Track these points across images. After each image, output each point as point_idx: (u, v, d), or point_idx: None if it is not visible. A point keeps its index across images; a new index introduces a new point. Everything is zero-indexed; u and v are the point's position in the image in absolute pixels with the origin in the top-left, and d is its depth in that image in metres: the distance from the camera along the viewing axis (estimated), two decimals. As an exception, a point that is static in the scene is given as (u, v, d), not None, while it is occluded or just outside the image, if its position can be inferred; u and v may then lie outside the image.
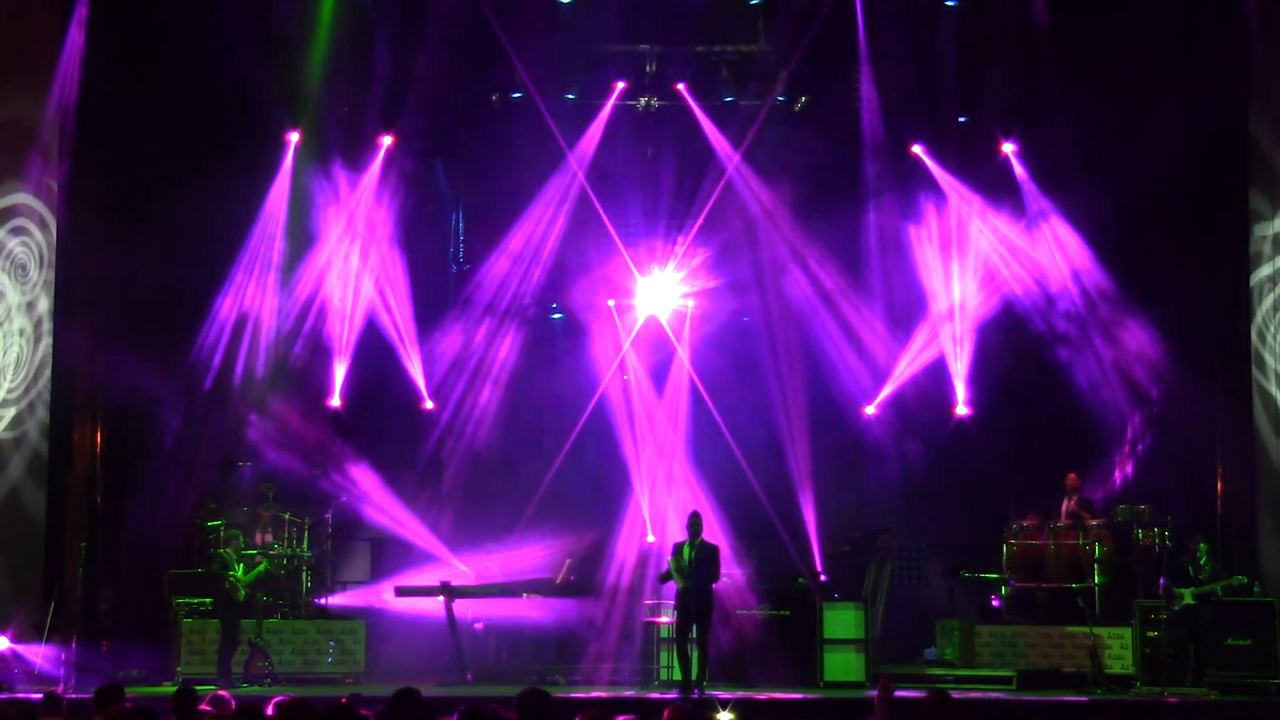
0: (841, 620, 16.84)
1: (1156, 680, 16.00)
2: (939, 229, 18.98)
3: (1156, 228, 18.20)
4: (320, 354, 18.86)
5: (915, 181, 19.06)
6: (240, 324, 18.54)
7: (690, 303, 19.55)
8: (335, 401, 18.79)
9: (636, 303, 19.54)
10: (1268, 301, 17.06)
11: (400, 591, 17.41)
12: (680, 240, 19.20)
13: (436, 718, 8.30)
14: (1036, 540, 17.45)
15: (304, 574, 18.05)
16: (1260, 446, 17.16)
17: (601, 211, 19.02)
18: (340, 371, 18.77)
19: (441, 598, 17.14)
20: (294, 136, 18.76)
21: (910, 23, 18.59)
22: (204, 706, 9.34)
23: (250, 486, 18.18)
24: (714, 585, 15.82)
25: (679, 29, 18.73)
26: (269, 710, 8.54)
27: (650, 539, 18.43)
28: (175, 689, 11.00)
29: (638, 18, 18.69)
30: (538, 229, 19.25)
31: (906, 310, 19.15)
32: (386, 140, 18.96)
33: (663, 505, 18.79)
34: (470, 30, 18.25)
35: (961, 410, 18.82)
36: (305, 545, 18.05)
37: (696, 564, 15.55)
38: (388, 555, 18.71)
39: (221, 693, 10.07)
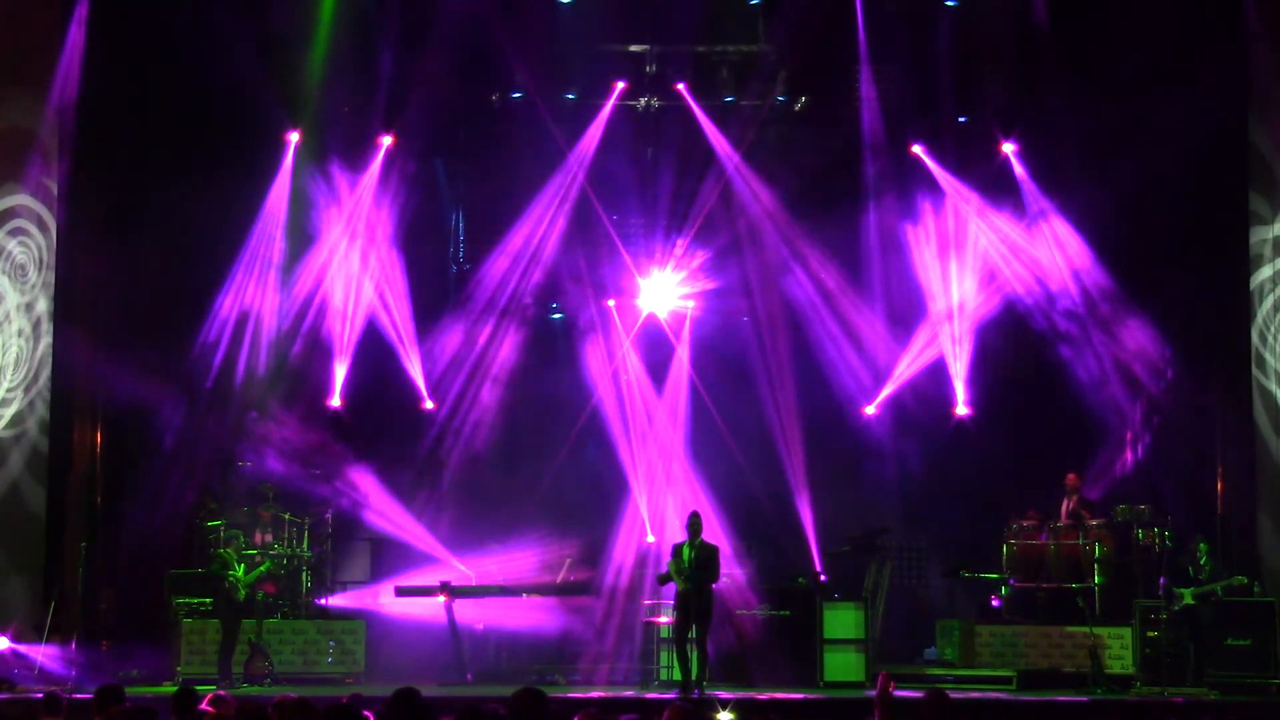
0: (841, 620, 16.83)
1: (1156, 680, 16.01)
2: (939, 229, 18.99)
3: (1156, 228, 18.20)
4: (320, 354, 18.86)
5: (915, 181, 19.06)
6: (240, 324, 18.55)
7: (690, 303, 19.55)
8: (335, 401, 18.79)
9: (636, 303, 19.54)
10: (1268, 302, 17.06)
11: (400, 591, 17.41)
12: (680, 240, 19.20)
13: (436, 718, 8.30)
14: (1036, 540, 17.45)
15: (304, 574, 18.05)
16: (1261, 446, 17.16)
17: (601, 211, 19.02)
18: (340, 371, 18.78)
19: (441, 598, 17.15)
20: (294, 136, 18.76)
21: (910, 23, 18.58)
22: (204, 706, 9.34)
23: (250, 486, 18.17)
24: (714, 585, 15.83)
25: (679, 29, 18.72)
26: (270, 710, 8.55)
27: (650, 539, 18.43)
28: (175, 689, 11.01)
29: (638, 18, 18.69)
30: (538, 229, 19.25)
31: (906, 310, 19.15)
32: (386, 140, 18.96)
33: (662, 505, 18.79)
34: (470, 30, 18.24)
35: (961, 410, 18.82)
36: (305, 545, 18.05)
37: (696, 564, 15.55)
38: (388, 555, 18.71)
39: (221, 693, 10.07)
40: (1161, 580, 16.27)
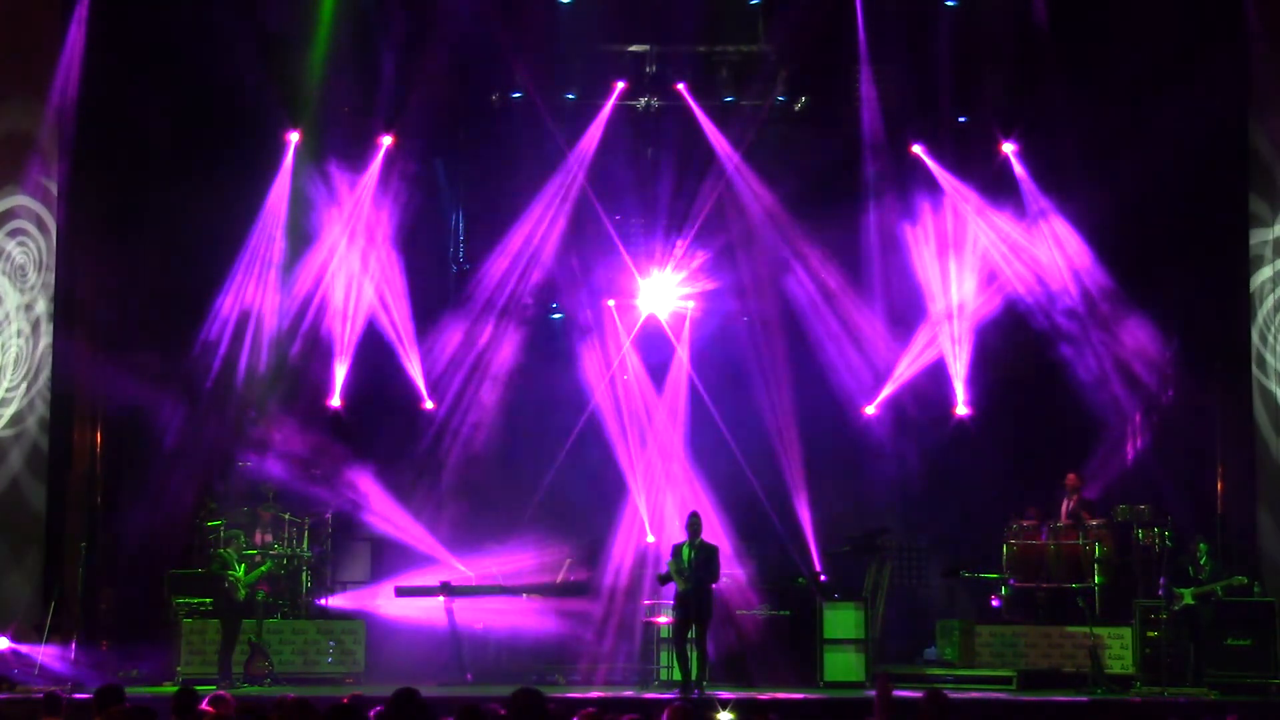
0: (841, 620, 16.84)
1: (1156, 680, 16.01)
2: (939, 229, 18.98)
3: (1156, 228, 18.20)
4: (320, 354, 18.86)
5: (915, 181, 19.05)
6: (240, 324, 18.54)
7: (690, 303, 19.55)
8: (335, 401, 18.79)
9: (636, 303, 19.54)
10: (1269, 302, 17.06)
11: (400, 591, 17.41)
12: (680, 241, 19.19)
13: (437, 718, 8.30)
14: (1036, 540, 17.45)
15: (304, 574, 18.05)
16: (1261, 445, 17.15)
17: (601, 211, 19.01)
18: (341, 371, 18.78)
19: (441, 598, 17.15)
20: (294, 136, 18.76)
21: (910, 23, 18.58)
22: (204, 706, 9.35)
23: (250, 486, 18.17)
24: (715, 585, 15.83)
25: (679, 29, 18.71)
26: (270, 709, 8.55)
27: (650, 539, 18.43)
28: (175, 689, 11.01)
29: (638, 18, 18.68)
30: (538, 229, 19.25)
31: (907, 310, 19.15)
32: (386, 140, 18.96)
33: (662, 505, 18.79)
34: (470, 30, 18.24)
35: (961, 410, 18.82)
36: (305, 545, 18.05)
37: (696, 564, 15.56)
38: (388, 555, 18.70)
39: (222, 693, 10.06)
40: (1161, 580, 16.28)
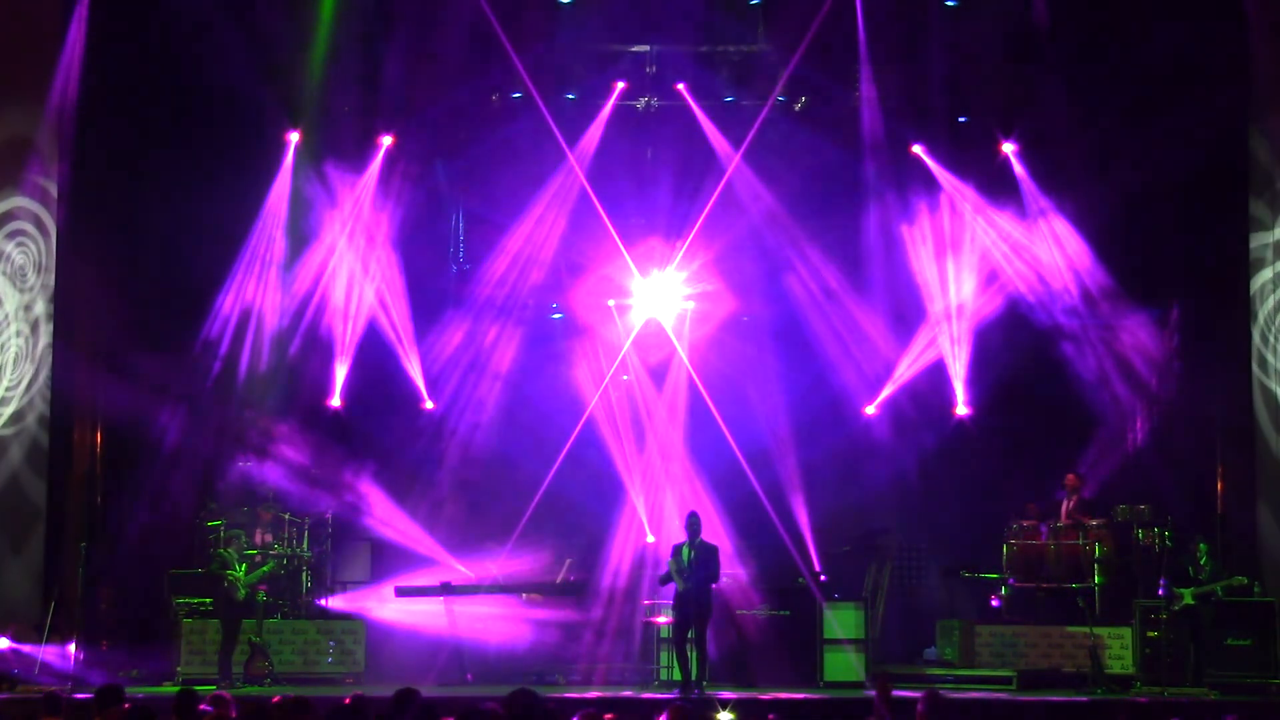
0: (841, 620, 16.85)
1: (1156, 680, 16.01)
2: (939, 229, 18.98)
3: (1157, 228, 18.22)
4: (320, 354, 18.86)
5: (915, 181, 19.05)
6: (240, 324, 18.55)
7: (690, 303, 19.55)
8: (335, 401, 18.80)
9: (636, 303, 19.54)
10: (1269, 303, 17.06)
11: (400, 592, 17.42)
12: (680, 240, 19.19)
13: (437, 718, 8.31)
14: (1036, 540, 17.45)
15: (304, 574, 18.05)
16: (1262, 444, 17.14)
17: (602, 211, 19.01)
18: (341, 372, 18.78)
19: (441, 598, 17.16)
20: (294, 136, 18.77)
21: (910, 23, 18.58)
22: (204, 707, 9.35)
23: (250, 486, 18.16)
24: (716, 585, 15.84)
25: (679, 29, 18.71)
26: (270, 709, 8.56)
27: (650, 539, 18.44)
28: (176, 689, 11.02)
29: (638, 18, 18.67)
30: (538, 229, 19.26)
31: (907, 310, 19.15)
32: (386, 140, 18.97)
33: (663, 506, 18.79)
34: (470, 30, 18.24)
35: (961, 410, 18.82)
36: (305, 545, 18.05)
37: (695, 564, 15.56)
38: (388, 555, 18.70)
39: (222, 693, 10.07)
40: (1161, 580, 16.27)
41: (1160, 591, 16.25)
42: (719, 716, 11.36)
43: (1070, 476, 17.83)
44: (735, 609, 17.06)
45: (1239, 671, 15.83)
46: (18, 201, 17.00)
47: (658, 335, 19.59)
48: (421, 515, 18.67)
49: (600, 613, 17.56)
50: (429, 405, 19.15)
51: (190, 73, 17.59)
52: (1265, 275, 17.16)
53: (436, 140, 19.31)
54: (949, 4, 18.52)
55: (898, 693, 10.83)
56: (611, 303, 19.64)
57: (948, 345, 18.80)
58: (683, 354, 19.39)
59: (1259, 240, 17.27)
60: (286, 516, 17.96)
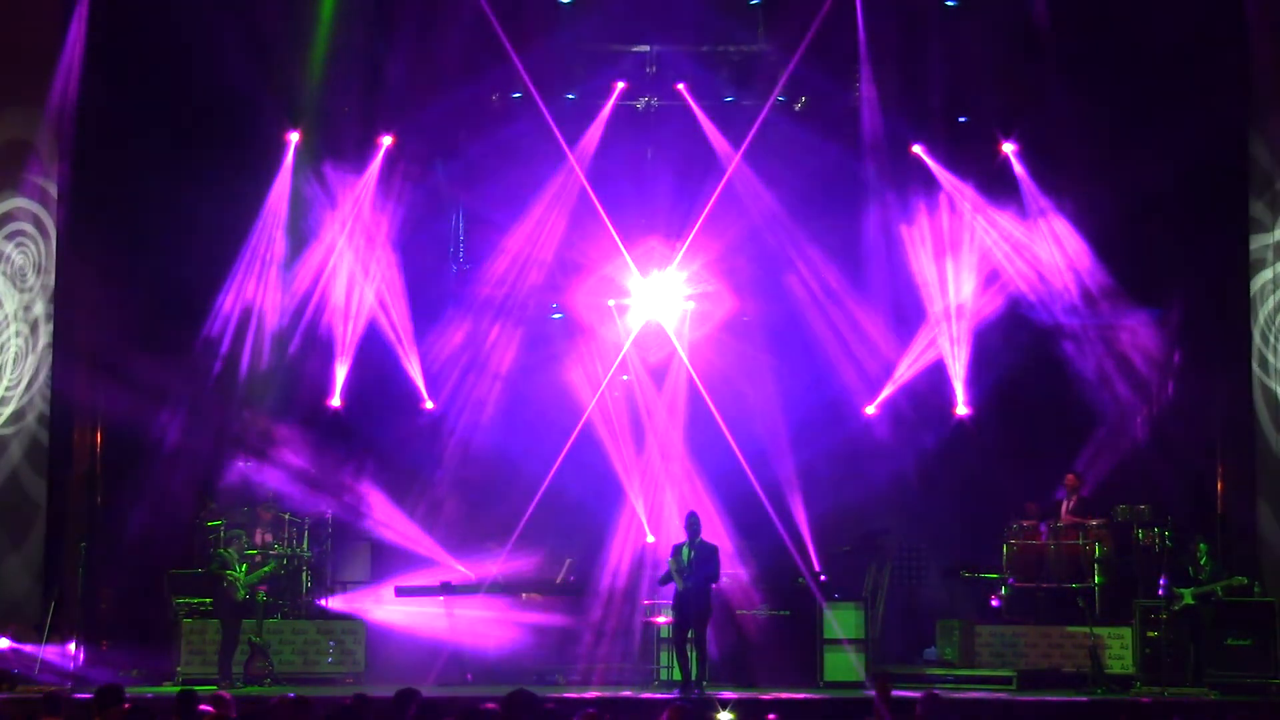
0: (841, 620, 16.85)
1: (1156, 680, 16.01)
2: (939, 229, 18.98)
3: (1157, 227, 18.21)
4: (321, 354, 18.86)
5: (915, 181, 19.06)
6: (241, 325, 18.55)
7: (690, 303, 19.56)
8: (335, 401, 18.80)
9: (636, 303, 19.54)
10: (1270, 303, 17.07)
11: (400, 591, 17.42)
12: (680, 240, 19.19)
13: (437, 718, 8.32)
14: (1036, 540, 17.45)
15: (304, 574, 18.05)
16: (1262, 443, 17.14)
17: (602, 211, 19.01)
18: (341, 372, 18.78)
19: (441, 597, 17.17)
20: (294, 137, 18.77)
21: (910, 22, 18.58)
22: (204, 707, 9.36)
23: (250, 486, 18.15)
24: (716, 585, 15.84)
25: (679, 29, 18.72)
26: (270, 709, 8.57)
27: (650, 539, 18.44)
28: (176, 689, 11.02)
29: (638, 18, 18.67)
30: (538, 229, 19.26)
31: (907, 310, 19.15)
32: (386, 140, 18.97)
33: (663, 506, 18.79)
34: (470, 30, 18.25)
35: (961, 410, 18.82)
36: (305, 545, 18.05)
37: (695, 564, 15.57)
38: (388, 555, 18.69)
39: (222, 693, 10.08)
40: (1161, 580, 16.27)
41: (1160, 591, 16.25)
42: (719, 716, 11.37)
43: (1070, 476, 17.84)
44: (736, 609, 17.07)
45: (1239, 671, 15.82)
46: (17, 202, 17.00)
47: (658, 335, 19.58)
48: (421, 515, 18.67)
49: (600, 613, 17.54)
50: (429, 405, 19.15)
51: (190, 73, 17.58)
52: (1266, 276, 17.16)
53: (436, 140, 19.30)
54: (949, 4, 18.52)
55: (898, 693, 10.85)
56: (611, 303, 19.63)
57: (947, 345, 18.80)
58: (683, 354, 19.38)
59: (1259, 242, 17.27)
60: (286, 516, 17.96)
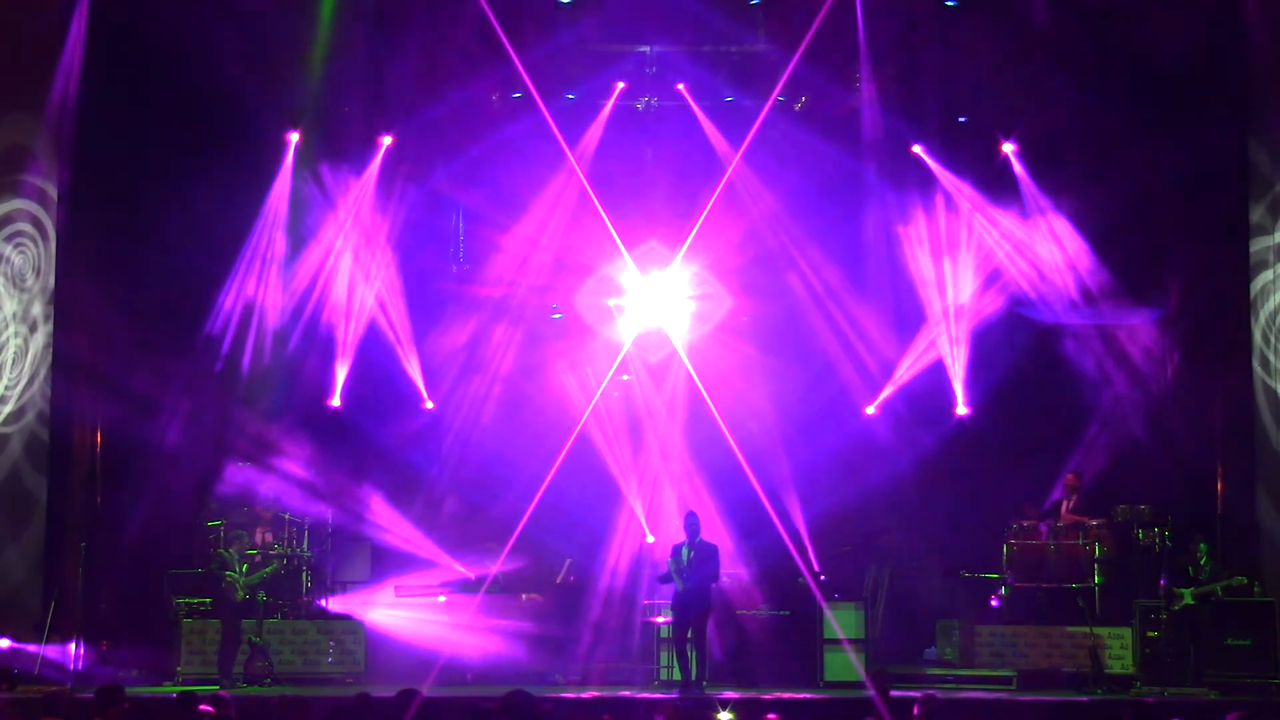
0: (841, 620, 16.84)
1: (1156, 680, 16.01)
2: (939, 228, 18.98)
3: (1157, 227, 18.22)
4: (321, 354, 18.86)
5: (915, 181, 19.06)
6: (241, 326, 18.55)
7: (690, 303, 19.55)
8: (335, 401, 18.80)
9: (637, 303, 19.54)
10: (1270, 304, 17.07)
11: (400, 592, 17.42)
12: (680, 240, 19.18)
13: (437, 717, 8.32)
14: (1036, 540, 17.45)
15: (304, 574, 18.04)
16: (1263, 442, 17.13)
17: (602, 211, 19.01)
18: (341, 372, 18.78)
19: (441, 597, 17.17)
20: (294, 137, 18.77)
21: (910, 22, 18.58)
22: (204, 707, 9.36)
23: (250, 491, 18.13)
24: (718, 584, 15.84)
25: (679, 29, 18.72)
26: (270, 709, 8.57)
27: (650, 539, 18.44)
28: (176, 689, 11.02)
29: (638, 18, 18.67)
30: (538, 229, 19.26)
31: (907, 310, 19.15)
32: (386, 140, 18.98)
33: (662, 506, 18.79)
34: (470, 30, 18.24)
35: (961, 410, 18.82)
36: (305, 545, 18.04)
37: (695, 564, 15.57)
38: (388, 555, 18.69)
39: (222, 693, 10.09)
40: (1161, 580, 16.28)
41: (1160, 591, 16.25)
42: (719, 716, 11.37)
43: (1070, 476, 17.84)
44: (736, 608, 17.07)
45: (1239, 671, 15.81)
46: (17, 204, 17.01)
47: (658, 335, 19.59)
48: (421, 515, 18.66)
49: (599, 613, 17.55)
50: (429, 405, 19.15)
51: (190, 74, 17.56)
52: (1267, 277, 17.16)
53: (436, 140, 19.30)
54: (949, 4, 18.51)
55: (897, 693, 10.85)
56: (611, 303, 19.63)
57: (947, 345, 18.80)
58: (683, 354, 19.38)
59: (1260, 244, 17.27)
60: (286, 516, 17.97)
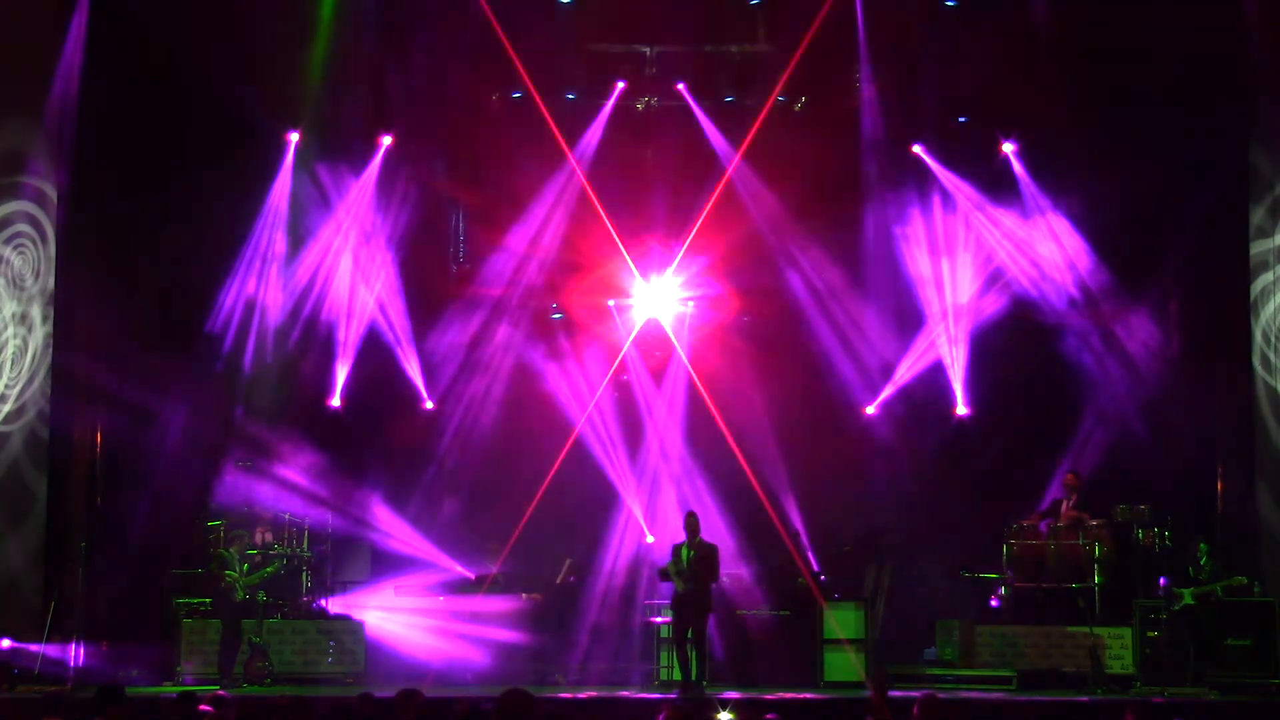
0: (841, 620, 16.84)
1: (1156, 680, 16.01)
2: (939, 228, 18.99)
3: (1157, 227, 18.21)
4: (321, 355, 18.86)
5: (916, 181, 19.06)
6: (241, 326, 18.55)
7: (690, 303, 19.56)
8: (335, 402, 18.80)
9: (636, 303, 19.54)
10: (1270, 305, 17.07)
11: (400, 592, 17.42)
12: (680, 240, 19.19)
13: (438, 717, 8.32)
14: (1036, 540, 17.45)
15: (304, 574, 18.04)
16: (1264, 441, 17.12)
17: (602, 211, 19.01)
18: (341, 372, 18.78)
19: (440, 598, 17.18)
20: (294, 137, 18.77)
21: (910, 22, 18.58)
22: (204, 707, 9.36)
23: (250, 494, 18.13)
24: (716, 584, 15.83)
25: (679, 29, 18.73)
26: (270, 709, 8.57)
27: (649, 539, 18.44)
28: (176, 689, 11.02)
29: (638, 18, 18.68)
30: (538, 229, 19.26)
31: (907, 310, 19.16)
32: (386, 140, 18.98)
33: (662, 506, 18.79)
34: (470, 30, 18.25)
35: (961, 410, 18.82)
36: (305, 545, 18.04)
37: (694, 564, 15.57)
38: (388, 556, 18.69)
39: (222, 693, 10.08)
40: (1161, 580, 16.27)
41: (1160, 591, 16.25)
42: (719, 716, 11.35)
43: (1070, 475, 17.81)
44: (736, 608, 17.07)
45: (1239, 671, 15.79)
46: (17, 206, 17.01)
47: (658, 335, 19.58)
48: (421, 515, 18.66)
49: (599, 613, 17.55)
50: (429, 405, 19.15)
51: (190, 74, 17.56)
52: (1267, 279, 17.16)
53: (436, 140, 19.30)
54: (949, 4, 18.51)
55: (898, 693, 10.84)
56: (611, 303, 19.64)
57: (947, 345, 18.81)
58: (682, 354, 19.39)
59: (1260, 247, 17.27)
60: (287, 516, 17.96)
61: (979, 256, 18.96)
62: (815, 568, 17.95)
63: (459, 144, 19.50)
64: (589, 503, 18.90)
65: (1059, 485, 17.93)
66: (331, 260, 18.95)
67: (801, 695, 15.33)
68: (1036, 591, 17.40)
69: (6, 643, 16.11)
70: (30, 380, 17.02)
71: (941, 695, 11.70)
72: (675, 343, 19.45)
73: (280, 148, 18.74)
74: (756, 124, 18.82)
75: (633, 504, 18.83)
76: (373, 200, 19.00)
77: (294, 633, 17.13)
